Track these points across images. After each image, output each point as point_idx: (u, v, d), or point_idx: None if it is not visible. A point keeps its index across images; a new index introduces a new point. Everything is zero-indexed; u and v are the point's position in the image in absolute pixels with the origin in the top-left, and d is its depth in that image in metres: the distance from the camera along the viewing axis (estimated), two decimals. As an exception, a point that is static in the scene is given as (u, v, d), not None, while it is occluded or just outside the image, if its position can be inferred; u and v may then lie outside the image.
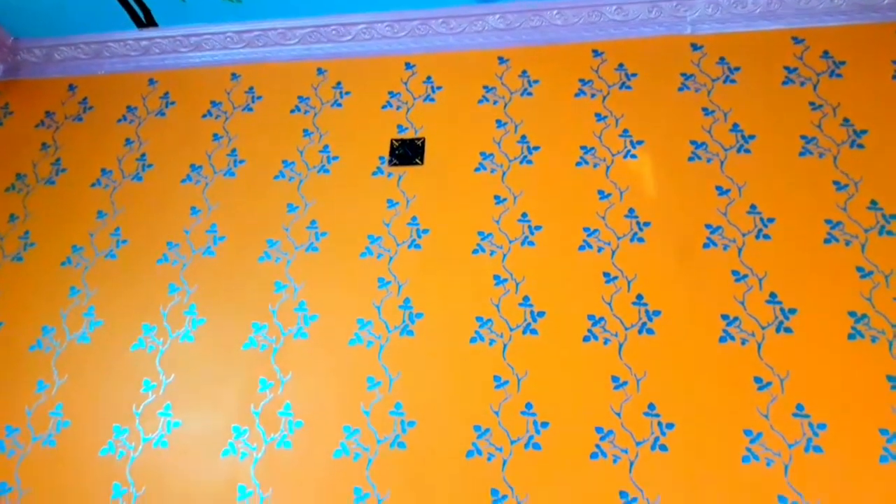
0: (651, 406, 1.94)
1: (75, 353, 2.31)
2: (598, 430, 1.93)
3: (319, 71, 2.69)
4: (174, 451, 2.11)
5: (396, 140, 2.49)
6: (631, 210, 2.22)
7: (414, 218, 2.35)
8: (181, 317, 2.31)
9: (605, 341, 2.04)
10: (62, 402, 2.23)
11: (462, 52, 2.61)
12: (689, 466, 1.85)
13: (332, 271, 2.31)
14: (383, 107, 2.56)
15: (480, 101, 2.50)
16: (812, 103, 2.29)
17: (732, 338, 1.98)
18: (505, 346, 2.09)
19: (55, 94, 2.87)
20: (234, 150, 2.59)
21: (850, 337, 1.93)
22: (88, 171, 2.65)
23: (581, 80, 2.47)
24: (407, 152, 2.46)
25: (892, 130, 2.20)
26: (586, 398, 1.98)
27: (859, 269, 2.01)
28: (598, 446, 1.91)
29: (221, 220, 2.46)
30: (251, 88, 2.71)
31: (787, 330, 1.97)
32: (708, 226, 2.15)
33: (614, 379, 1.99)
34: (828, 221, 2.09)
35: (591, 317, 2.09)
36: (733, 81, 2.37)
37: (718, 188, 2.20)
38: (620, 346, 2.03)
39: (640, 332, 2.04)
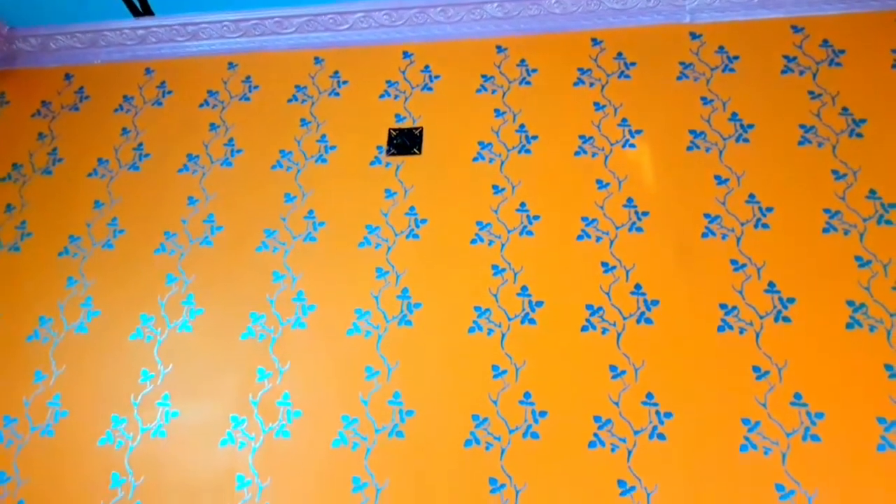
0: (649, 395, 1.94)
1: (73, 344, 2.30)
2: (597, 419, 1.94)
3: (317, 60, 2.68)
4: (172, 441, 2.11)
5: (394, 129, 2.48)
6: (629, 200, 2.22)
7: (412, 208, 2.34)
8: (179, 307, 2.30)
9: (604, 331, 2.04)
10: (60, 393, 2.23)
11: (460, 41, 2.60)
12: (688, 455, 1.86)
13: (330, 261, 2.30)
14: (381, 96, 2.55)
15: (479, 91, 2.49)
16: (811, 92, 2.28)
17: (731, 327, 1.98)
18: (503, 335, 2.09)
19: (51, 84, 2.85)
20: (231, 140, 2.57)
21: (849, 326, 1.93)
22: (85, 161, 2.63)
23: (580, 69, 2.46)
24: (405, 142, 2.45)
25: (891, 119, 2.19)
26: (584, 388, 1.98)
27: (858, 258, 2.01)
28: (596, 435, 1.92)
29: (219, 210, 2.45)
30: (248, 78, 2.70)
31: (786, 319, 1.97)
32: (706, 215, 2.15)
33: (612, 368, 1.99)
34: (826, 211, 2.09)
35: (589, 306, 2.08)
36: (732, 70, 2.36)
37: (717, 177, 2.20)
38: (619, 335, 2.03)
39: (638, 321, 2.04)
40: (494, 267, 2.19)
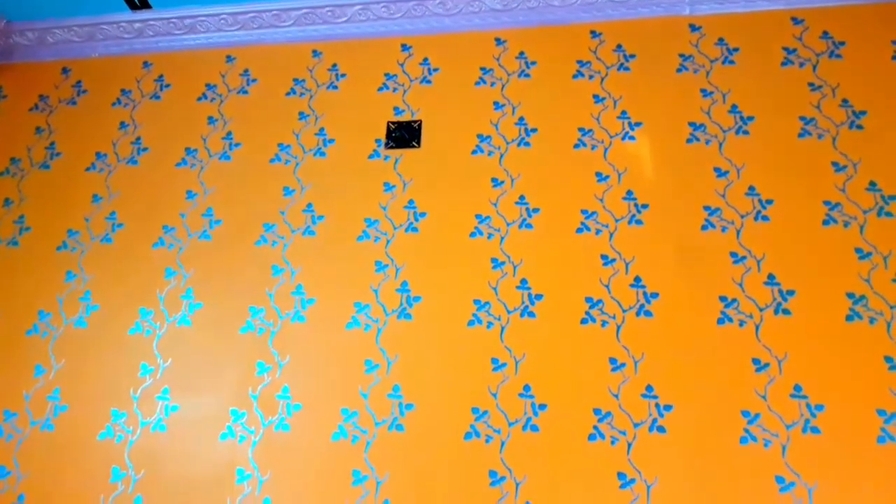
0: (649, 388, 1.94)
1: (72, 338, 2.30)
2: (596, 411, 1.94)
3: (315, 53, 2.67)
4: (172, 435, 2.11)
5: (393, 123, 2.47)
6: (629, 192, 2.21)
7: (411, 201, 2.33)
8: (178, 301, 2.30)
9: (603, 324, 2.04)
10: (60, 387, 2.23)
11: (459, 34, 2.59)
12: (687, 447, 1.86)
13: (329, 255, 2.30)
14: (379, 89, 2.54)
15: (477, 83, 2.48)
16: (811, 84, 2.27)
17: (730, 319, 1.98)
18: (503, 328, 2.09)
19: (49, 78, 2.84)
20: (229, 134, 2.57)
21: (849, 318, 1.93)
22: (83, 155, 2.63)
23: (579, 62, 2.45)
24: (403, 135, 2.44)
25: (891, 111, 2.19)
26: (584, 380, 1.98)
27: (858, 250, 2.01)
28: (595, 428, 1.92)
29: (217, 203, 2.45)
30: (246, 71, 2.69)
31: (786, 311, 1.97)
32: (706, 208, 2.14)
33: (612, 361, 1.99)
34: (826, 203, 2.09)
35: (588, 299, 2.08)
36: (732, 62, 2.36)
37: (717, 170, 2.19)
38: (618, 328, 2.03)
39: (637, 314, 2.04)
40: (494, 260, 2.19)
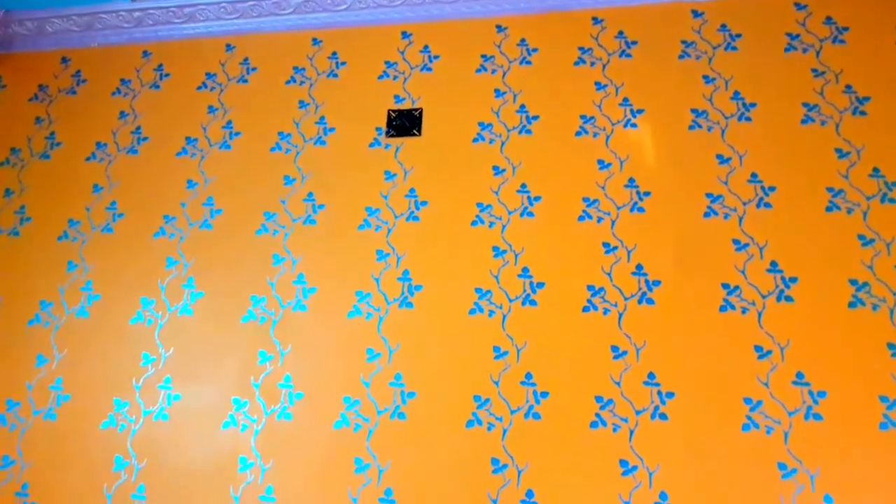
0: (651, 375, 1.94)
1: (74, 328, 2.30)
2: (598, 399, 1.94)
3: (315, 41, 2.65)
4: (175, 424, 2.12)
5: (393, 111, 2.46)
6: (631, 180, 2.20)
7: (412, 190, 2.33)
8: (179, 290, 2.30)
9: (605, 311, 2.04)
10: (62, 377, 2.23)
11: (459, 21, 2.57)
12: (690, 435, 1.86)
13: (331, 244, 2.30)
14: (380, 77, 2.53)
15: (478, 71, 2.47)
16: (814, 70, 2.25)
17: (733, 307, 1.98)
18: (504, 317, 2.08)
19: (48, 68, 2.83)
20: (229, 123, 2.56)
21: (851, 305, 1.92)
22: (83, 145, 2.62)
23: (580, 49, 2.43)
24: (404, 123, 2.43)
25: (894, 97, 2.17)
26: (586, 368, 1.98)
27: (861, 237, 2.00)
28: (598, 415, 1.92)
29: (218, 193, 2.44)
30: (246, 60, 2.67)
31: (788, 298, 1.96)
32: (709, 195, 2.13)
33: (614, 349, 1.99)
34: (829, 189, 2.07)
35: (590, 287, 2.08)
36: (735, 49, 2.34)
37: (719, 157, 2.18)
38: (620, 315, 2.03)
39: (639, 301, 2.03)
40: (495, 248, 2.18)
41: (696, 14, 2.41)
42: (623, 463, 1.86)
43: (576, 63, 2.42)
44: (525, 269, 2.14)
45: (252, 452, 2.03)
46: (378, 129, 2.44)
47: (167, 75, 2.71)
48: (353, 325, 2.15)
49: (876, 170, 2.08)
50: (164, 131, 2.59)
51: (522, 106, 2.38)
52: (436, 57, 2.53)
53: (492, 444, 1.93)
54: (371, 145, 2.42)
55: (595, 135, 2.29)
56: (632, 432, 1.89)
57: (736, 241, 2.06)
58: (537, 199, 2.23)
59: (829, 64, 2.25)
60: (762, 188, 2.11)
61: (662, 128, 2.26)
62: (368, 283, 2.21)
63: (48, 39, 2.88)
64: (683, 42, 2.38)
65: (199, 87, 2.65)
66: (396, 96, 2.48)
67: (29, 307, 2.36)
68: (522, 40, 2.49)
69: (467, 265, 2.18)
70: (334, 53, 2.61)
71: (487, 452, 1.92)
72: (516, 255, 2.16)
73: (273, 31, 2.71)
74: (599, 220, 2.16)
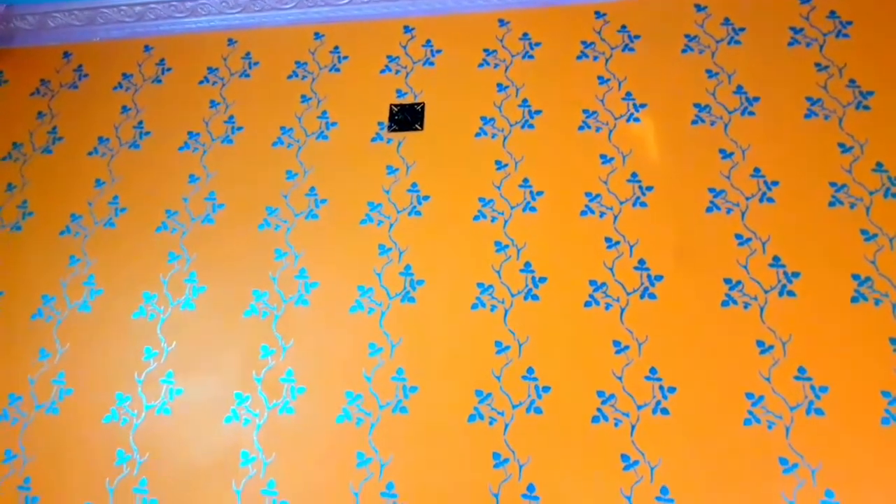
0: (653, 370, 1.94)
1: (76, 322, 2.31)
2: (600, 394, 1.93)
3: (317, 35, 2.65)
4: (177, 418, 2.12)
5: (396, 105, 2.46)
6: (633, 174, 2.20)
7: (414, 184, 2.32)
8: (182, 285, 2.30)
9: (607, 306, 2.04)
10: (64, 371, 2.24)
11: (462, 15, 2.56)
12: (691, 429, 1.86)
13: (333, 239, 2.30)
14: (382, 71, 2.53)
15: (481, 65, 2.46)
16: (818, 64, 2.24)
17: (735, 302, 1.97)
18: (506, 311, 2.08)
19: (50, 62, 2.83)
20: (231, 117, 2.55)
21: (854, 300, 1.92)
22: (85, 140, 2.62)
23: (583, 43, 2.42)
24: (406, 118, 2.43)
25: (899, 92, 2.16)
26: (588, 363, 1.98)
27: (864, 231, 1.99)
28: (599, 410, 1.92)
29: (220, 187, 2.44)
30: (248, 54, 2.67)
31: (791, 293, 1.96)
32: (711, 189, 2.13)
33: (616, 343, 1.99)
34: (832, 184, 2.07)
35: (592, 282, 2.08)
36: (738, 43, 2.33)
37: (722, 151, 2.18)
38: (622, 310, 2.02)
39: (641, 296, 2.03)
40: (497, 243, 2.18)
41: (699, 8, 2.40)
42: (624, 457, 1.86)
43: (578, 57, 2.41)
44: (527, 264, 2.14)
45: (254, 446, 2.04)
46: (380, 123, 2.44)
47: (169, 70, 2.71)
48: (355, 319, 2.16)
49: (879, 164, 2.07)
50: (165, 126, 2.59)
51: (525, 100, 2.37)
52: (438, 51, 2.52)
53: (493, 438, 1.93)
54: (373, 140, 2.42)
55: (597, 129, 2.28)
56: (633, 427, 1.89)
57: (738, 236, 2.05)
58: (539, 193, 2.23)
59: (833, 58, 2.25)
60: (765, 183, 2.11)
61: (665, 122, 2.25)
62: (370, 277, 2.21)
63: (50, 34, 2.88)
64: (686, 36, 2.37)
65: (200, 82, 2.65)
66: (398, 90, 2.48)
67: (31, 301, 2.36)
68: (525, 34, 2.48)
69: (469, 260, 2.17)
70: (336, 48, 2.61)
71: (489, 447, 1.93)
72: (518, 250, 2.16)
73: (275, 25, 2.70)
74: (602, 214, 2.16)
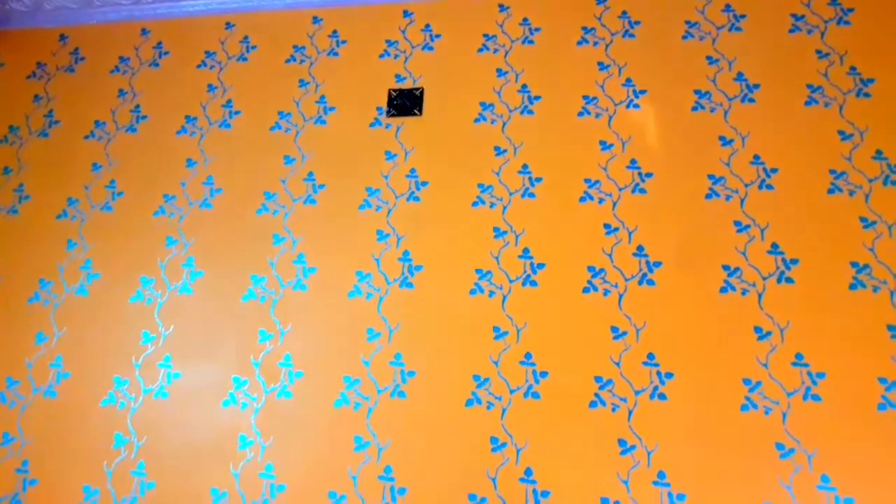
0: (650, 356, 1.94)
1: (74, 306, 2.30)
2: (598, 379, 1.94)
3: (315, 20, 2.63)
4: (175, 402, 2.12)
5: (394, 90, 2.44)
6: (633, 161, 2.19)
7: (413, 170, 2.32)
8: (179, 269, 2.29)
9: (605, 292, 2.04)
10: (62, 354, 2.23)
11: None
12: (688, 415, 1.86)
13: (331, 224, 2.29)
14: (381, 56, 2.51)
15: (480, 50, 2.45)
16: (819, 51, 2.24)
17: (733, 288, 1.97)
18: (504, 297, 2.08)
19: (46, 45, 2.81)
20: (229, 101, 2.54)
21: (852, 287, 1.92)
22: (82, 123, 2.60)
23: (583, 28, 2.41)
24: (405, 103, 2.42)
25: (899, 79, 2.16)
26: (585, 348, 1.98)
27: (862, 219, 1.99)
28: (597, 395, 1.92)
29: (218, 172, 2.43)
30: (246, 38, 2.65)
31: (789, 280, 1.96)
32: (710, 176, 2.12)
33: (613, 329, 1.99)
34: (832, 172, 2.07)
35: (591, 268, 2.07)
36: (739, 29, 2.32)
37: (722, 138, 2.17)
38: (620, 297, 2.02)
39: (640, 283, 2.03)
40: (496, 229, 2.18)
41: (700, -6, 2.40)
42: (622, 442, 1.87)
43: (579, 43, 2.40)
44: (526, 250, 2.13)
45: (252, 430, 2.04)
46: (379, 108, 2.43)
47: (166, 53, 2.69)
48: (354, 304, 2.15)
49: (879, 152, 2.07)
50: (163, 110, 2.58)
51: (524, 86, 2.36)
52: (437, 36, 2.51)
53: (491, 423, 1.94)
54: (371, 125, 2.41)
55: (597, 115, 2.27)
56: (630, 412, 1.89)
57: (737, 223, 2.05)
58: (538, 179, 2.22)
59: (834, 45, 2.24)
60: (764, 170, 2.11)
61: (665, 109, 2.25)
62: (369, 263, 2.20)
63: (46, 16, 2.85)
64: (687, 23, 2.36)
65: (198, 66, 2.63)
66: (397, 75, 2.47)
67: (28, 285, 2.35)
68: (525, 20, 2.47)
69: (468, 246, 2.17)
70: (335, 32, 2.59)
71: (486, 431, 1.93)
72: (517, 236, 2.16)
73: (273, 9, 2.68)
74: (601, 201, 2.15)
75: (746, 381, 1.87)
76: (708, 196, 2.10)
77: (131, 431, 2.10)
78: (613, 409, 1.90)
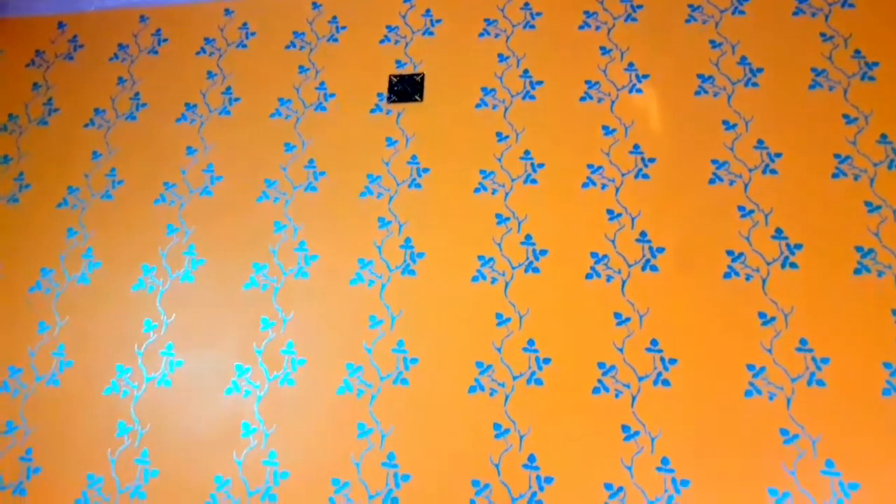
0: (654, 342, 1.94)
1: (75, 295, 2.30)
2: (601, 365, 1.93)
3: (315, 5, 2.61)
4: (177, 390, 2.12)
5: (395, 76, 2.42)
6: (636, 146, 2.18)
7: (414, 156, 2.30)
8: (180, 257, 2.29)
9: (608, 278, 2.03)
10: (64, 343, 2.23)
11: (462, -16, 2.53)
12: (692, 400, 1.86)
13: (332, 211, 2.28)
14: (381, 41, 2.49)
15: (481, 35, 2.43)
16: (823, 34, 2.22)
17: (737, 273, 1.96)
18: (507, 284, 2.08)
19: (44, 33, 2.79)
20: (228, 89, 2.52)
21: (857, 272, 1.91)
22: (81, 111, 2.59)
23: (585, 12, 2.39)
24: (406, 88, 2.40)
25: (904, 62, 2.14)
26: (588, 335, 1.98)
27: (867, 203, 1.98)
28: (600, 381, 1.92)
29: (218, 159, 2.42)
30: (245, 24, 2.63)
31: (793, 265, 1.95)
32: (714, 161, 2.11)
33: (616, 315, 1.98)
34: (836, 156, 2.05)
35: (593, 254, 2.06)
36: (742, 13, 2.30)
37: (725, 123, 2.15)
38: (623, 283, 2.02)
39: (643, 268, 2.02)
40: (498, 216, 2.17)
41: (703, -23, 2.37)
42: (625, 428, 1.86)
43: (580, 27, 2.37)
44: (528, 237, 2.12)
45: (255, 418, 2.04)
46: (379, 94, 2.41)
47: (165, 40, 2.67)
48: (356, 292, 2.15)
49: (884, 136, 2.05)
50: (162, 97, 2.56)
51: (526, 71, 2.35)
52: (438, 21, 2.49)
53: (494, 409, 1.93)
54: (372, 111, 2.39)
55: (600, 100, 2.26)
56: (634, 398, 1.89)
57: (741, 208, 2.04)
58: (541, 165, 2.21)
59: (838, 28, 2.22)
60: (768, 154, 2.09)
61: (668, 93, 2.23)
62: (370, 250, 2.19)
63: (44, 4, 2.83)
64: (690, 6, 2.34)
65: (197, 53, 2.61)
66: (398, 61, 2.45)
67: (30, 274, 2.35)
68: (526, 4, 2.45)
69: (470, 232, 2.16)
70: (334, 18, 2.57)
71: (489, 418, 1.93)
72: (519, 223, 2.15)
73: (272, -6, 2.66)
74: (604, 186, 2.14)
75: (750, 367, 1.86)
76: (711, 181, 2.09)
77: (134, 420, 2.10)
78: (617, 396, 1.90)
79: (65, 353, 2.21)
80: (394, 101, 2.39)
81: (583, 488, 1.83)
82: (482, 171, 2.23)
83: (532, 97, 2.30)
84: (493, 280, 2.08)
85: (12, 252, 2.40)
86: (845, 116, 2.09)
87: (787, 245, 1.97)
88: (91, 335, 2.23)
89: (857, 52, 2.17)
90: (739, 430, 1.81)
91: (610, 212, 2.11)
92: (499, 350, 2.00)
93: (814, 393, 1.81)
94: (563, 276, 2.06)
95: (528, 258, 2.10)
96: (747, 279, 1.95)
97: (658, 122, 2.20)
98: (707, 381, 1.87)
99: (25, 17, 2.83)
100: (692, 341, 1.92)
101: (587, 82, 2.29)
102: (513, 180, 2.20)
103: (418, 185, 2.26)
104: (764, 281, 1.94)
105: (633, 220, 2.09)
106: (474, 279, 2.10)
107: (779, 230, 2.00)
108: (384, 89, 2.41)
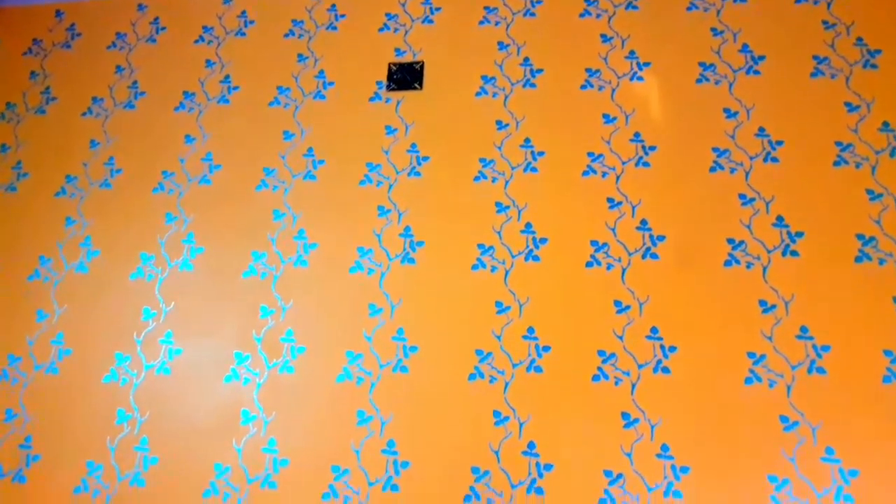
0: (654, 329, 1.93)
1: (74, 283, 2.29)
2: (601, 353, 1.93)
3: (314, -7, 2.60)
4: (177, 378, 2.11)
5: (394, 64, 2.41)
6: (637, 134, 2.17)
7: (413, 145, 2.29)
8: (179, 245, 2.28)
9: (608, 266, 2.02)
10: (63, 331, 2.22)
11: (462, -28, 2.51)
12: (692, 388, 1.86)
13: (331, 200, 2.27)
14: (380, 29, 2.48)
15: (481, 23, 2.42)
16: (825, 22, 2.20)
17: (738, 261, 1.96)
18: (507, 272, 2.07)
19: (42, 21, 2.77)
20: (227, 77, 2.51)
21: (858, 259, 1.91)
22: (79, 100, 2.58)
23: (586, 0, 2.37)
24: (405, 77, 2.39)
25: (907, 50, 2.13)
26: (588, 322, 1.97)
27: (869, 191, 1.97)
28: (599, 369, 1.91)
29: (217, 148, 2.41)
30: (243, 12, 2.61)
31: (794, 253, 1.94)
32: (715, 149, 2.10)
33: (617, 303, 1.98)
34: (838, 143, 2.04)
35: (594, 242, 2.06)
36: (743, 0, 2.28)
37: (726, 111, 2.14)
38: (623, 271, 2.01)
39: (643, 256, 2.02)
40: (498, 204, 2.16)
41: (704, -36, 2.36)
42: (625, 415, 1.86)
43: (581, 15, 2.36)
44: (528, 225, 2.12)
45: (254, 405, 2.04)
46: (378, 82, 2.40)
47: (163, 29, 2.66)
48: (355, 280, 2.14)
49: (885, 124, 2.04)
50: (161, 86, 2.55)
51: (526, 59, 2.33)
52: (437, 8, 2.47)
53: (494, 396, 1.93)
54: (371, 99, 2.38)
55: (600, 88, 2.25)
56: (634, 385, 1.88)
57: (742, 196, 2.03)
58: (541, 153, 2.20)
59: (840, 16, 2.21)
60: (769, 142, 2.08)
61: (669, 81, 2.22)
62: (370, 238, 2.19)
63: (41, -8, 2.82)
64: (691, -7, 2.33)
65: (195, 41, 2.60)
66: (397, 49, 2.43)
67: (28, 262, 2.34)
68: (526, -9, 2.44)
69: (469, 221, 2.15)
70: (333, 6, 2.56)
71: (489, 405, 1.92)
72: (519, 211, 2.14)
73: (271, -18, 2.65)
74: (604, 174, 2.13)
75: (751, 355, 1.86)
76: (712, 169, 2.08)
77: (134, 407, 2.09)
78: (616, 383, 1.89)
79: (64, 341, 2.21)
80: (393, 90, 2.38)
81: (582, 475, 1.83)
82: (482, 160, 2.23)
83: (532, 85, 2.29)
84: (493, 268, 2.08)
85: (11, 241, 2.39)
86: (847, 104, 2.09)
87: (788, 233, 1.97)
88: (90, 323, 2.22)
89: (860, 39, 2.16)
90: (739, 417, 1.81)
91: (610, 200, 2.10)
92: (498, 338, 1.99)
93: (814, 380, 1.81)
94: (563, 264, 2.06)
95: (528, 246, 2.09)
96: (748, 267, 1.95)
97: (659, 110, 2.19)
98: (707, 369, 1.87)
99: (23, 5, 2.81)
100: (692, 329, 1.92)
101: (588, 70, 2.28)
102: (513, 168, 2.20)
103: (418, 174, 2.25)
104: (765, 269, 1.94)
105: (633, 208, 2.08)
106: (474, 267, 2.09)
107: (780, 218, 1.99)
108: (383, 77, 2.40)
